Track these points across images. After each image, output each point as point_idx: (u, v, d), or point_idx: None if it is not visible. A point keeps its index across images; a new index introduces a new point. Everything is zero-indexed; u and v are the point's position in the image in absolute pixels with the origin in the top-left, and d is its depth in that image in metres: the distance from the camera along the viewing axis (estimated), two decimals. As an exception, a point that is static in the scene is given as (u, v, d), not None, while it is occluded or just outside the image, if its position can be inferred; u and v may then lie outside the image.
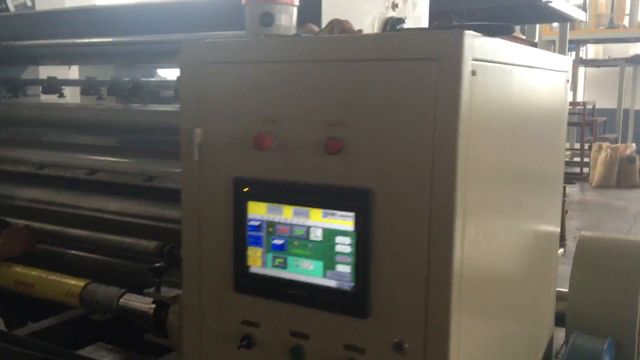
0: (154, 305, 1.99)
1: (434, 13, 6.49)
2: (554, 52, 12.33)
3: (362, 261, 1.28)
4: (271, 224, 1.37)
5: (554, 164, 1.98)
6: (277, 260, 1.38)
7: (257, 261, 1.40)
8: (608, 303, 2.39)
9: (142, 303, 2.04)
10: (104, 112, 2.57)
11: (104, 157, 2.51)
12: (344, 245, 1.30)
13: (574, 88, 15.77)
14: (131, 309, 2.07)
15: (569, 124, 14.04)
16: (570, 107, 14.33)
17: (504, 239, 1.49)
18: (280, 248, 1.37)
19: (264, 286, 1.39)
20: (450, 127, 1.16)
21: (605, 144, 12.56)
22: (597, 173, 12.39)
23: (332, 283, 1.32)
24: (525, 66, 1.54)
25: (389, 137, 1.23)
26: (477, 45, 1.20)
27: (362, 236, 1.27)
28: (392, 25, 2.77)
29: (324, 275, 1.33)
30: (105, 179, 2.40)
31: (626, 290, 2.38)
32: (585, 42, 15.31)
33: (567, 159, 14.43)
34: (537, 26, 10.23)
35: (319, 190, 1.31)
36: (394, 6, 2.84)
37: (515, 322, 1.66)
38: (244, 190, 1.39)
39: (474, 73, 1.20)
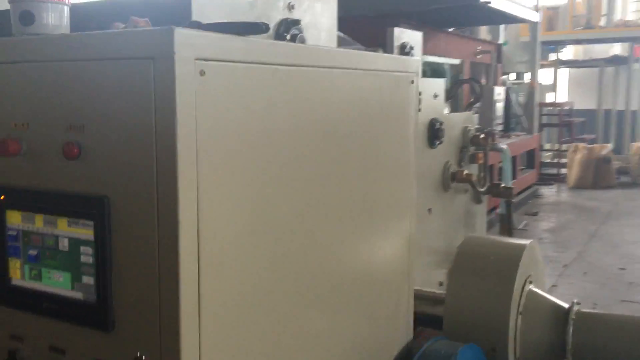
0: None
1: (379, 17, 6.41)
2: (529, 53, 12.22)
3: (102, 272, 1.21)
4: (26, 233, 1.31)
5: (396, 167, 1.92)
6: (33, 272, 1.32)
7: (17, 273, 1.34)
8: (483, 307, 2.33)
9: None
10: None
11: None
12: (87, 255, 1.23)
13: (553, 89, 15.74)
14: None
15: (548, 125, 14.00)
16: (551, 107, 14.29)
17: (289, 244, 1.42)
18: (34, 259, 1.31)
19: (23, 299, 1.33)
20: (168, 131, 1.10)
21: (581, 145, 12.50)
22: (573, 174, 12.35)
23: (79, 295, 1.25)
24: (315, 66, 1.47)
25: (119, 142, 1.17)
26: (203, 44, 1.14)
27: (101, 246, 1.21)
28: (286, 27, 2.70)
29: (72, 287, 1.26)
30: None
31: (500, 294, 2.32)
32: (563, 43, 15.26)
33: (548, 160, 14.40)
34: (502, 27, 10.17)
35: (62, 197, 1.25)
36: (290, 7, 2.77)
37: (322, 324, 1.59)
38: (1, 198, 1.33)
39: (202, 73, 1.13)
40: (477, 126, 5.86)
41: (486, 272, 2.40)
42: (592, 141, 13.75)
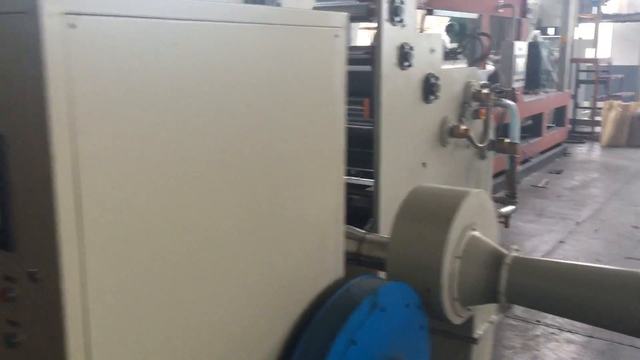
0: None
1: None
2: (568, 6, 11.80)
3: (3, 200, 1.42)
4: (-49, 166, 1.52)
5: (319, 119, 2.05)
6: (-43, 200, 1.53)
7: (-51, 201, 1.56)
8: (420, 251, 2.47)
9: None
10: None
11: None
12: (-8, 185, 1.43)
13: (594, 44, 15.22)
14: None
15: (585, 82, 13.63)
16: (591, 64, 13.86)
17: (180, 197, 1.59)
18: (-43, 189, 1.52)
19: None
20: (40, 79, 1.27)
21: (616, 102, 12.19)
22: (606, 132, 12.10)
23: (-11, 220, 1.46)
24: (211, 21, 1.61)
25: (8, 88, 1.34)
26: (73, -1, 1.30)
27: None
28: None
29: (-16, 212, 1.47)
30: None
31: (435, 238, 2.45)
32: (605, -5, 14.68)
33: (586, 118, 14.06)
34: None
35: (-29, 135, 1.44)
36: None
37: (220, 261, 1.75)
38: None
39: (72, 26, 1.29)
40: (483, 82, 5.86)
41: (426, 218, 2.53)
42: (630, 99, 13.35)
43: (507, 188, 6.09)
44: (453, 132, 5.09)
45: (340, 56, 2.12)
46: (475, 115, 5.56)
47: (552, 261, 2.51)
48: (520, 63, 7.95)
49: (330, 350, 1.95)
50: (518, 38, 8.42)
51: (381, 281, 2.29)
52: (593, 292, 2.31)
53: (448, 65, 6.55)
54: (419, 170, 4.84)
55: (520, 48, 7.89)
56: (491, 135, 5.85)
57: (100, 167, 1.40)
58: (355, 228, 2.82)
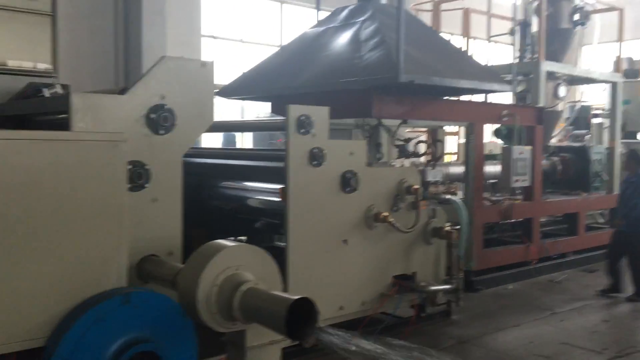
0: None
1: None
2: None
3: None
4: None
5: (98, 204, 3.63)
6: None
7: None
8: (190, 278, 3.84)
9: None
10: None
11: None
12: None
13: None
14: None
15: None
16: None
17: None
18: None
19: None
20: None
21: None
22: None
23: None
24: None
25: None
26: None
27: None
28: (154, 110, 4.56)
29: None
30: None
31: (197, 271, 3.81)
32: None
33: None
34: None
35: None
36: (161, 97, 4.59)
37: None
38: None
39: None
40: (429, 179, 7.03)
41: (200, 258, 3.91)
42: None
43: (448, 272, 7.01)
44: (376, 218, 6.33)
45: (120, 159, 3.69)
46: (414, 206, 6.72)
47: (271, 293, 3.73)
48: (521, 165, 8.80)
49: (78, 320, 3.41)
50: (531, 144, 9.26)
51: (144, 291, 3.71)
52: (268, 306, 3.54)
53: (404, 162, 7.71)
54: (339, 244, 6.12)
55: (521, 152, 8.77)
56: (433, 225, 6.90)
57: None
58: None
